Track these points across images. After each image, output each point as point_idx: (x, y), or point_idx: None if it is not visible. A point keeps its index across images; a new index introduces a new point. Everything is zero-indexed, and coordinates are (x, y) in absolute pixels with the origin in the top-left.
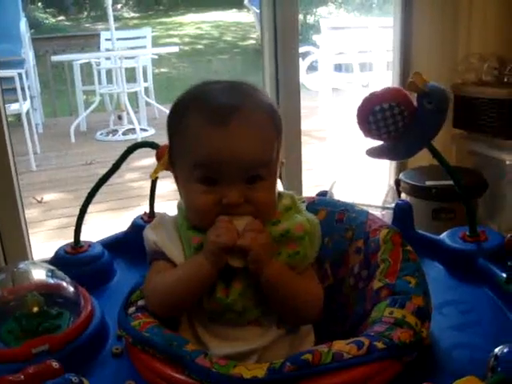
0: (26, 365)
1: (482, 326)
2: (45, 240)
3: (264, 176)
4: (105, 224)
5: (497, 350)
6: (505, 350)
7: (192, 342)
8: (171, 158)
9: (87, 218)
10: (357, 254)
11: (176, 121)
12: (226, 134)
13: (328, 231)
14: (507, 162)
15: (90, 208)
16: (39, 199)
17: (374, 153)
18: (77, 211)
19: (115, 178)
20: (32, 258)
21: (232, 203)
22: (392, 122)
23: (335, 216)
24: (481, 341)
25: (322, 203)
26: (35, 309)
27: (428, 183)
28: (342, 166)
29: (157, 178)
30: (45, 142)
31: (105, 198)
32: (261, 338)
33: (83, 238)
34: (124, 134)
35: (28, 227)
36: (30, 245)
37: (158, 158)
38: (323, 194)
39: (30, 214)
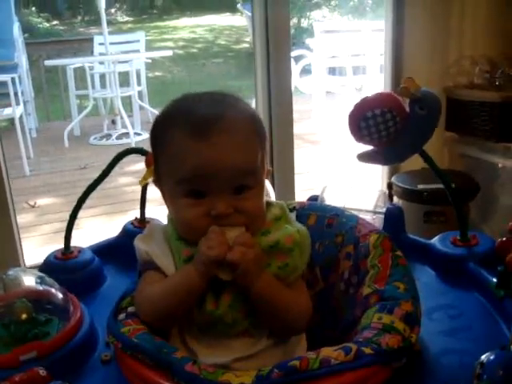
0: (14, 372)
1: (472, 330)
2: (38, 245)
3: (251, 185)
4: (98, 228)
5: (483, 357)
6: (491, 358)
7: (181, 350)
8: (156, 173)
9: (80, 222)
10: (347, 259)
11: (158, 137)
12: (207, 146)
13: (318, 236)
14: (499, 165)
15: (84, 213)
16: (32, 204)
17: (365, 157)
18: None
19: (108, 183)
20: (24, 264)
21: (221, 214)
22: (384, 127)
23: (325, 221)
24: (471, 346)
25: (313, 208)
26: (24, 316)
27: (420, 187)
28: (335, 170)
29: (147, 183)
30: (38, 147)
31: (98, 202)
32: (251, 348)
33: (77, 242)
34: (118, 138)
35: (21, 232)
36: (21, 250)
37: (148, 164)
38: (314, 198)
39: (24, 218)
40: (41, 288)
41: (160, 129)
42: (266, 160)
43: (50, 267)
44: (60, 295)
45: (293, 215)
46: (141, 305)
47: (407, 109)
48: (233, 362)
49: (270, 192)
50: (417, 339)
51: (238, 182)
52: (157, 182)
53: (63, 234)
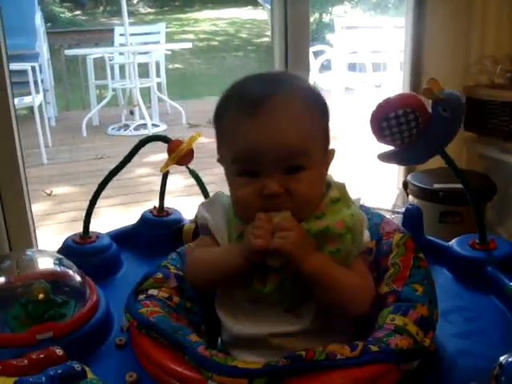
0: (30, 350)
1: (487, 334)
2: (54, 233)
3: (305, 165)
4: (115, 218)
5: (502, 358)
6: (510, 359)
7: (226, 315)
8: (218, 152)
9: (98, 211)
10: (367, 254)
11: (216, 117)
12: (256, 125)
13: None
14: None
15: (101, 202)
16: (49, 192)
17: (385, 158)
18: (87, 205)
19: (126, 173)
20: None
21: (271, 193)
22: (406, 128)
23: None
24: (485, 349)
25: None
26: (41, 296)
27: (436, 186)
28: (351, 168)
29: (167, 172)
30: (57, 136)
31: (115, 192)
32: (291, 326)
33: (94, 230)
34: (135, 129)
35: (37, 220)
36: (36, 238)
37: (169, 152)
38: None
39: (40, 207)
40: (58, 269)
41: (219, 107)
42: (326, 140)
43: (69, 250)
44: (78, 278)
45: (359, 199)
46: (188, 264)
47: (430, 110)
48: (269, 337)
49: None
50: (430, 343)
51: (290, 162)
52: (219, 161)
53: (79, 223)
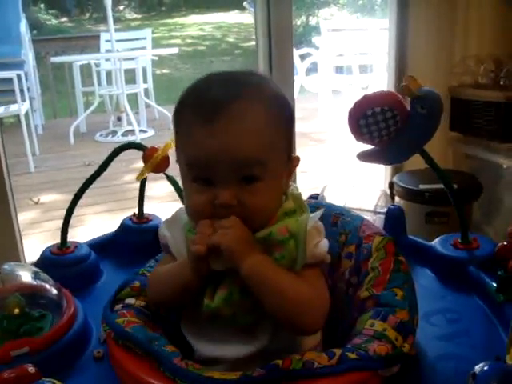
0: (3, 368)
1: (470, 336)
2: (41, 242)
3: (260, 176)
4: (102, 225)
5: (476, 367)
6: (484, 369)
7: (188, 332)
8: (176, 153)
9: (84, 218)
10: (347, 259)
11: (174, 117)
12: (210, 132)
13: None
14: (504, 166)
15: (88, 209)
16: (36, 200)
17: (365, 157)
18: (75, 213)
19: (113, 180)
20: (25, 260)
21: (223, 204)
22: (384, 126)
23: (330, 219)
24: (468, 352)
25: (318, 206)
26: (16, 310)
27: (421, 187)
28: (338, 169)
29: (145, 179)
30: (44, 144)
31: (102, 199)
32: (248, 348)
33: (81, 238)
34: (123, 135)
35: (24, 229)
36: (22, 247)
37: (145, 159)
38: (314, 197)
39: (28, 215)
40: (35, 283)
41: (177, 107)
42: (289, 148)
43: (46, 262)
44: (54, 290)
45: (318, 213)
46: (149, 284)
47: (408, 108)
48: (226, 359)
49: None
50: (410, 348)
51: (245, 172)
52: (177, 161)
53: None
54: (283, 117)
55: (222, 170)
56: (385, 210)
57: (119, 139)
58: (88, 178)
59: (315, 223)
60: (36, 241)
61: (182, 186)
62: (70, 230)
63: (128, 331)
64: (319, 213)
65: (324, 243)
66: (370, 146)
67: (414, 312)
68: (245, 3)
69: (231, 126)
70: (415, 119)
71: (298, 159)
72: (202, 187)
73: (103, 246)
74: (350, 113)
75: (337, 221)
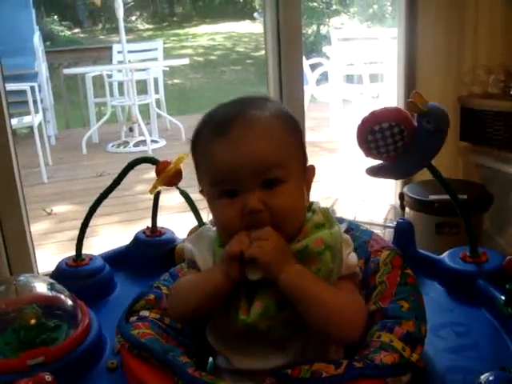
0: (22, 376)
1: (478, 349)
2: (55, 252)
3: (283, 178)
4: (115, 236)
5: (482, 377)
6: (490, 378)
7: (216, 343)
8: (199, 182)
9: (98, 229)
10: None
11: (192, 147)
12: (228, 142)
13: None
14: None
15: (101, 220)
16: (49, 211)
17: (373, 172)
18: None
19: (125, 191)
20: (37, 271)
21: (252, 209)
22: (391, 141)
23: None
24: (476, 364)
25: None
26: (33, 321)
27: (431, 197)
28: (349, 180)
29: (158, 192)
30: (57, 154)
31: (116, 210)
32: (280, 360)
33: (94, 248)
34: (135, 145)
35: (37, 239)
36: (35, 257)
37: (158, 173)
38: None
39: (41, 226)
40: (50, 294)
41: (194, 137)
42: (304, 156)
43: (62, 274)
44: (69, 302)
45: (344, 226)
46: (170, 296)
47: (415, 122)
48: (256, 372)
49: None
50: (419, 358)
51: (267, 175)
52: (201, 192)
53: None
54: (291, 126)
55: (244, 177)
56: (394, 223)
57: (131, 150)
58: (102, 193)
59: (344, 235)
60: (49, 251)
61: (209, 210)
62: (84, 241)
63: (143, 342)
64: (344, 225)
65: (353, 255)
66: (378, 161)
67: (422, 322)
68: (255, 14)
69: (246, 133)
70: (422, 134)
71: (313, 169)
72: (228, 200)
73: (117, 258)
74: (358, 129)
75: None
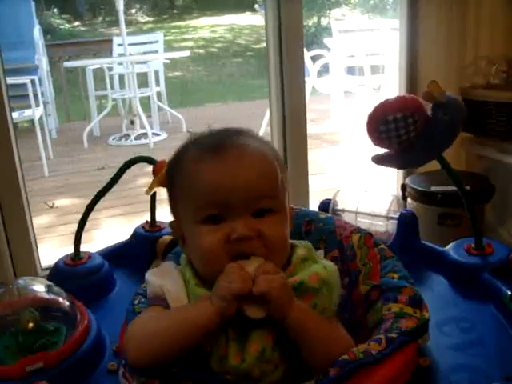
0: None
1: (484, 346)
2: (57, 246)
3: (274, 208)
4: (117, 229)
5: None
6: None
7: None
8: (173, 214)
9: (99, 222)
10: (333, 262)
11: (173, 172)
12: (222, 161)
13: None
14: None
15: (104, 213)
16: (51, 204)
17: (380, 160)
18: (90, 216)
19: (127, 184)
20: (40, 264)
21: (241, 237)
22: (404, 132)
23: (302, 228)
24: (481, 362)
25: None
26: (31, 325)
27: (433, 189)
28: (351, 172)
29: (155, 192)
30: (58, 148)
31: (117, 203)
32: None
33: (96, 241)
34: (136, 138)
35: (39, 233)
36: (37, 251)
37: (155, 173)
38: (326, 202)
39: (43, 219)
40: (48, 296)
41: (173, 161)
42: (287, 192)
43: (60, 273)
44: (67, 303)
45: (321, 252)
46: (131, 337)
47: (429, 112)
48: None
49: None
50: (428, 315)
51: (257, 204)
52: (172, 225)
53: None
54: (281, 161)
55: (236, 202)
56: (397, 215)
57: (132, 143)
58: (100, 191)
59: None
60: (51, 245)
61: (189, 240)
62: (85, 235)
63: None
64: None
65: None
66: (385, 150)
67: (412, 283)
68: (256, 6)
69: (242, 154)
70: (436, 125)
71: (292, 210)
72: (211, 226)
73: (116, 254)
74: (370, 118)
75: (310, 228)
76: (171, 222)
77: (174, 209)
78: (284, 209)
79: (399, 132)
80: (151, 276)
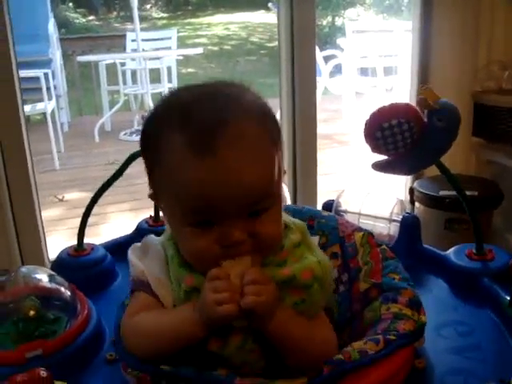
0: (19, 369)
1: (481, 350)
2: (66, 239)
3: (269, 206)
4: (125, 224)
5: None
6: None
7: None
8: (151, 186)
9: (107, 216)
10: (334, 258)
11: (150, 140)
12: (215, 165)
13: None
14: None
15: (112, 208)
16: (61, 198)
17: (380, 167)
18: (98, 210)
19: (136, 179)
20: (48, 257)
21: (234, 243)
22: (400, 138)
23: (306, 222)
24: (478, 367)
25: (289, 210)
26: (32, 313)
27: (442, 193)
28: (360, 173)
29: None
30: (69, 141)
31: (126, 198)
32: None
33: (104, 236)
34: None
35: (49, 226)
36: (46, 243)
37: None
38: (330, 203)
39: (52, 212)
40: (49, 286)
41: (153, 130)
42: (282, 163)
43: (63, 264)
44: (68, 293)
45: (315, 239)
46: (128, 333)
47: (425, 119)
48: None
49: (287, 197)
50: (425, 319)
51: (253, 207)
52: (153, 197)
53: (90, 228)
54: (274, 130)
55: (228, 209)
56: (400, 217)
57: None
58: (104, 183)
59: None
60: (60, 238)
61: (173, 229)
62: (93, 228)
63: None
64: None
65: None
66: (384, 157)
67: (413, 286)
68: (270, 4)
69: (236, 154)
70: (432, 132)
71: (284, 173)
72: (203, 230)
73: (119, 247)
74: (366, 125)
75: (312, 223)
76: (150, 195)
77: (151, 181)
78: (279, 199)
79: (396, 138)
80: (133, 256)
